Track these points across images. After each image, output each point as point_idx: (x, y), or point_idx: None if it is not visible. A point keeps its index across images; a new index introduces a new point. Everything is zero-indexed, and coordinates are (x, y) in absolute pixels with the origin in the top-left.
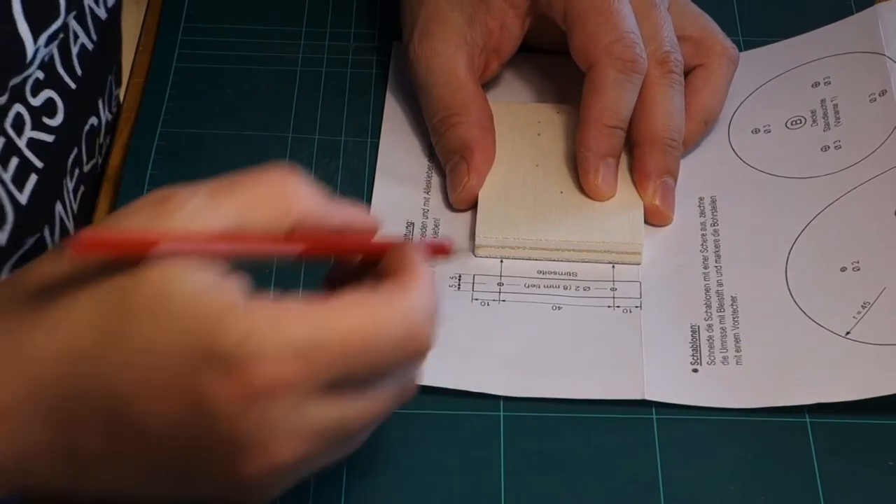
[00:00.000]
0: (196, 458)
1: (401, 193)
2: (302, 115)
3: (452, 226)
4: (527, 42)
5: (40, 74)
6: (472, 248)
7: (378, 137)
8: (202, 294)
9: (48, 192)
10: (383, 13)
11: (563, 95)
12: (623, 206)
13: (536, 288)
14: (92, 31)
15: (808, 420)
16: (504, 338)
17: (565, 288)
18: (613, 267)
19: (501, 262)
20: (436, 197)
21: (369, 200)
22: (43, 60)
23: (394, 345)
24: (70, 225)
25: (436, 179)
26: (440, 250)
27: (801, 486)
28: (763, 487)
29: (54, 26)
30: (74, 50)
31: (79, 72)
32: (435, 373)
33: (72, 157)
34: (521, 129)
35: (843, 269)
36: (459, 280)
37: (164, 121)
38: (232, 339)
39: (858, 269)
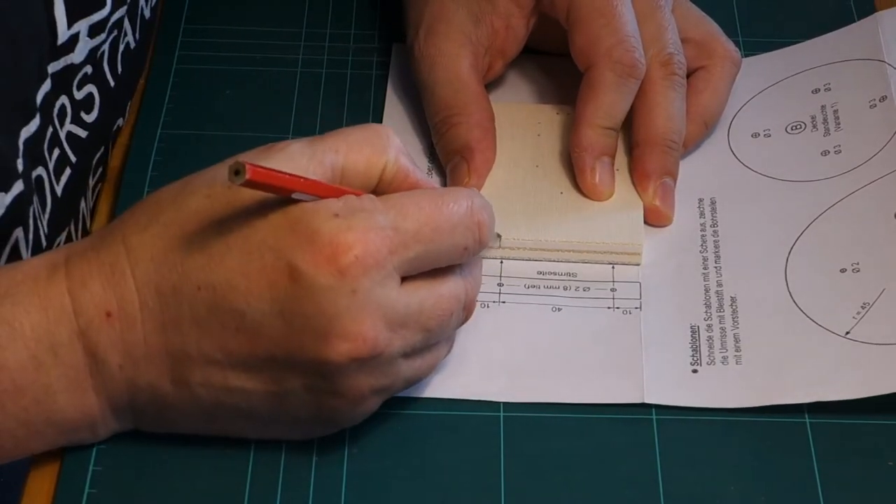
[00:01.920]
0: (293, 339)
1: None
2: (302, 116)
3: None
4: (528, 44)
5: (89, 69)
6: None
7: None
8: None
9: (77, 187)
10: (383, 14)
11: (563, 96)
12: (623, 206)
13: (536, 289)
14: (137, 29)
15: (808, 420)
16: (504, 342)
17: (565, 289)
18: (613, 268)
19: (501, 262)
20: None
21: None
22: (93, 54)
23: (460, 225)
24: (88, 222)
25: (436, 179)
26: None
27: (801, 486)
28: (763, 487)
29: (97, 16)
30: (121, 48)
31: (119, 70)
32: (436, 383)
33: (98, 154)
34: (522, 130)
35: (843, 270)
36: None
37: (164, 122)
38: (321, 217)
39: (858, 271)
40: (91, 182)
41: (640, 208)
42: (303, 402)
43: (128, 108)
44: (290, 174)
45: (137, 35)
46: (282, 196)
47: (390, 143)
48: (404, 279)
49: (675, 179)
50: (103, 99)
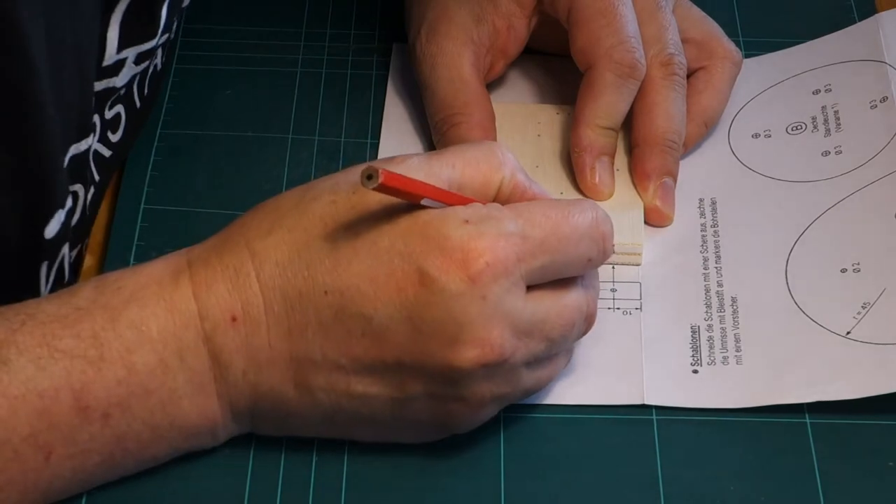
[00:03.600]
0: (420, 344)
1: None
2: (302, 116)
3: None
4: (529, 44)
5: (122, 90)
6: None
7: (378, 138)
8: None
9: (96, 205)
10: (383, 14)
11: (563, 97)
12: (623, 206)
13: None
14: (164, 52)
15: (808, 420)
16: None
17: None
18: (613, 268)
19: None
20: None
21: None
22: (133, 79)
23: (585, 236)
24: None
25: None
26: None
27: (801, 486)
28: (763, 487)
29: (146, 46)
30: (150, 70)
31: (146, 91)
32: None
33: (115, 173)
34: (522, 130)
35: (844, 270)
36: None
37: (163, 121)
38: (451, 224)
39: (859, 271)
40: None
41: (640, 208)
42: (425, 407)
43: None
44: (420, 181)
45: (163, 57)
46: (410, 202)
47: (505, 159)
48: (529, 288)
49: (675, 179)
50: (129, 119)
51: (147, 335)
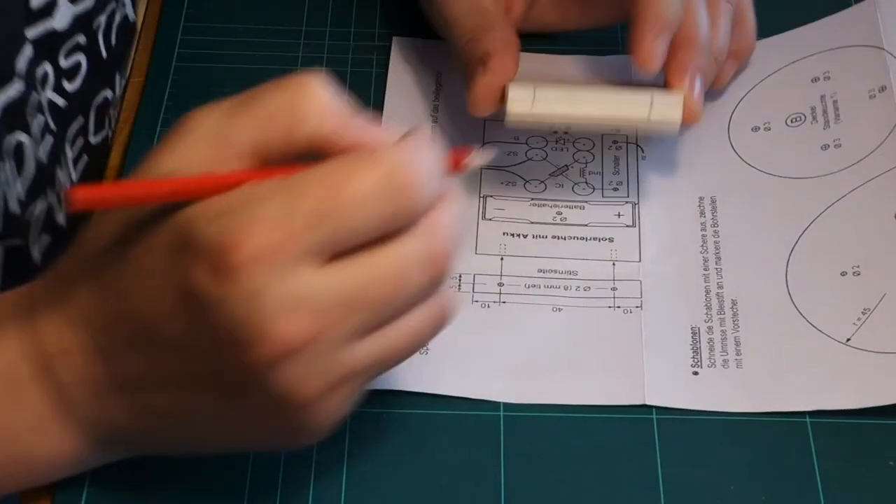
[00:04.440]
0: (211, 356)
1: None
2: None
3: None
4: (530, 25)
5: (82, 39)
6: (504, 115)
7: None
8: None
9: (56, 157)
10: (383, 12)
11: None
12: (660, 93)
13: (537, 288)
14: (133, 2)
15: (808, 420)
16: (505, 342)
17: (566, 288)
18: (614, 265)
19: (502, 259)
20: None
21: None
22: (83, 23)
23: (374, 192)
24: None
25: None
26: (460, 158)
27: (801, 486)
28: (763, 487)
29: None
30: (117, 19)
31: (113, 41)
32: (435, 379)
33: (76, 125)
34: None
35: (844, 274)
36: (460, 280)
37: (163, 120)
38: (201, 223)
39: (859, 274)
40: (70, 153)
41: (680, 94)
42: (258, 413)
43: (117, 82)
44: (139, 182)
45: (132, 7)
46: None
47: (312, 106)
48: (336, 257)
49: (705, 84)
50: (91, 69)
51: None
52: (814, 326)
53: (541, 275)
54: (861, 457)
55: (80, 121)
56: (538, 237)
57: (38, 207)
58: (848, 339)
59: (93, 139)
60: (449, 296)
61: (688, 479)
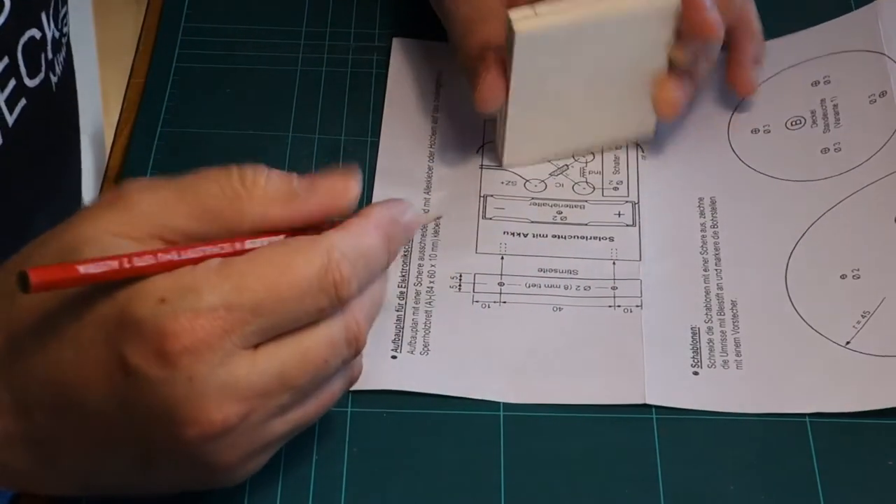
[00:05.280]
0: (141, 428)
1: (401, 193)
2: (302, 115)
3: (453, 226)
4: None
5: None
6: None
7: (378, 136)
8: None
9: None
10: (383, 13)
11: None
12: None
13: (537, 288)
14: (50, 20)
15: (808, 420)
16: (505, 343)
17: (566, 287)
18: (614, 264)
19: (502, 258)
20: (436, 197)
21: (369, 200)
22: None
23: (310, 290)
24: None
25: (436, 179)
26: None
27: (801, 486)
28: (763, 487)
29: None
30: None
31: (43, 69)
32: (436, 380)
33: (2, 65)
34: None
35: (843, 277)
36: (460, 280)
37: (164, 120)
38: (146, 305)
39: (858, 277)
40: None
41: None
42: (176, 475)
43: (45, 22)
44: (98, 260)
45: (60, 27)
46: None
47: (253, 197)
48: (261, 344)
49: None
50: (14, 8)
51: None
52: (813, 329)
53: (541, 274)
54: (861, 457)
55: (5, 61)
56: (538, 236)
57: None
58: (848, 342)
59: (28, 82)
60: (358, 360)
61: (688, 479)
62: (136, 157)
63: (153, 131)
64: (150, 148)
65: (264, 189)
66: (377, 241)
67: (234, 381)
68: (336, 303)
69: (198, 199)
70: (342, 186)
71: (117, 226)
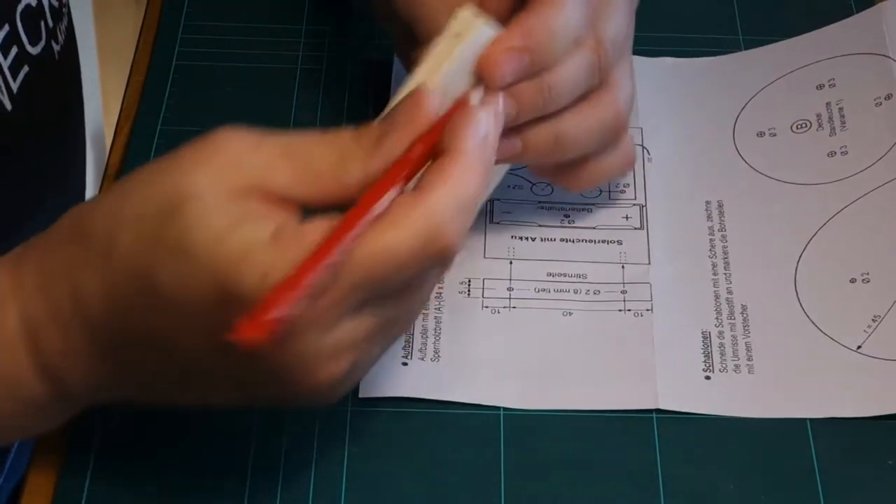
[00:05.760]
0: (248, 378)
1: None
2: (302, 114)
3: None
4: None
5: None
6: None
7: None
8: (223, 236)
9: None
10: None
11: None
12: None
13: (546, 293)
14: None
15: (808, 420)
16: (515, 349)
17: (575, 292)
18: (623, 268)
19: (511, 263)
20: None
21: None
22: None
23: (415, 256)
24: (7, 103)
25: None
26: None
27: (801, 486)
28: (763, 487)
29: None
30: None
31: (43, 36)
32: (446, 386)
33: (2, 34)
34: None
35: (853, 281)
36: (469, 285)
37: (164, 119)
38: (250, 280)
39: (868, 281)
40: (3, 62)
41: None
42: (269, 391)
43: None
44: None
45: None
46: None
47: (355, 167)
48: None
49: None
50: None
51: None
52: (825, 334)
53: (550, 278)
54: (861, 457)
55: (6, 28)
56: (546, 240)
57: None
58: (859, 347)
59: (31, 49)
60: None
61: (688, 479)
62: (137, 155)
63: (153, 129)
64: (151, 146)
65: (371, 143)
66: (475, 188)
67: (340, 344)
68: (441, 268)
69: (304, 159)
70: (413, 103)
71: (217, 181)
